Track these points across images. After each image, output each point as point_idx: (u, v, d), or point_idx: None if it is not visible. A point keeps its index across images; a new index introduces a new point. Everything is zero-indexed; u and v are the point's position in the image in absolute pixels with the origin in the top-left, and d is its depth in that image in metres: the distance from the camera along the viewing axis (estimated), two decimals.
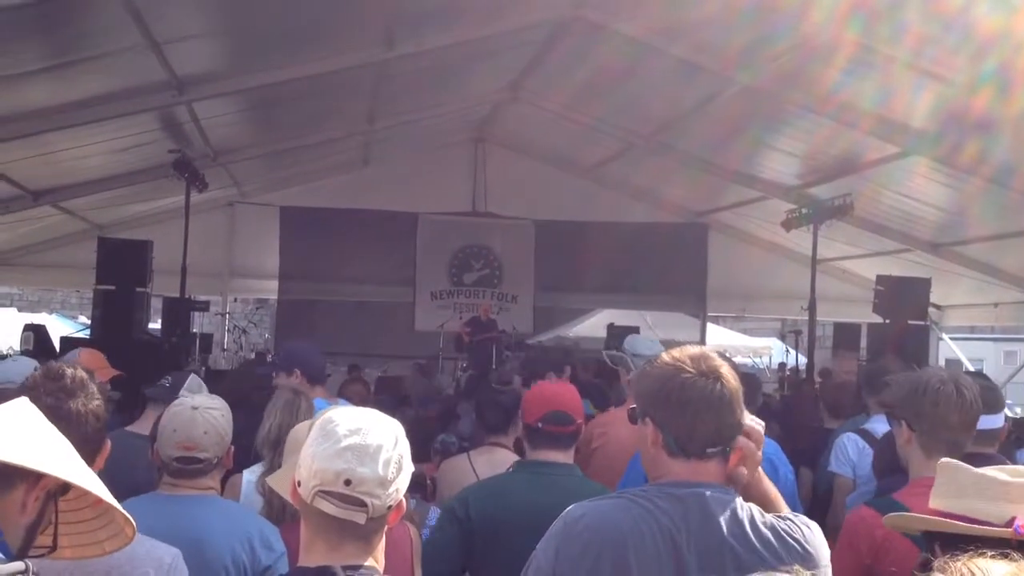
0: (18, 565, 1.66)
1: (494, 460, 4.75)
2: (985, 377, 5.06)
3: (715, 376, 2.32)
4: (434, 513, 4.02)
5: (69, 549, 1.92)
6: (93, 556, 2.02)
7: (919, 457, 3.09)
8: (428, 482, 5.13)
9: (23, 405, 1.86)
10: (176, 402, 3.34)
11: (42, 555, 1.86)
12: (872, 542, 2.85)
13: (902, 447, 3.18)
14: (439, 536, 3.66)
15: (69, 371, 2.58)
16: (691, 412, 2.29)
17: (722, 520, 2.26)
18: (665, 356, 2.40)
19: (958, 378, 3.08)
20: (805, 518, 2.39)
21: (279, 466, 3.66)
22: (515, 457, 4.71)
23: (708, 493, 2.29)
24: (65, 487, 1.82)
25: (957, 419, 3.01)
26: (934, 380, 3.07)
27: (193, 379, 4.67)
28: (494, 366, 13.43)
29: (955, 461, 2.35)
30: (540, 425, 3.73)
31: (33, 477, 1.79)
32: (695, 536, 2.24)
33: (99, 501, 1.85)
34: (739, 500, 2.33)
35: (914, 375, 3.20)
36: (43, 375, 2.58)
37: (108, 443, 2.65)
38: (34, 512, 1.83)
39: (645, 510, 2.28)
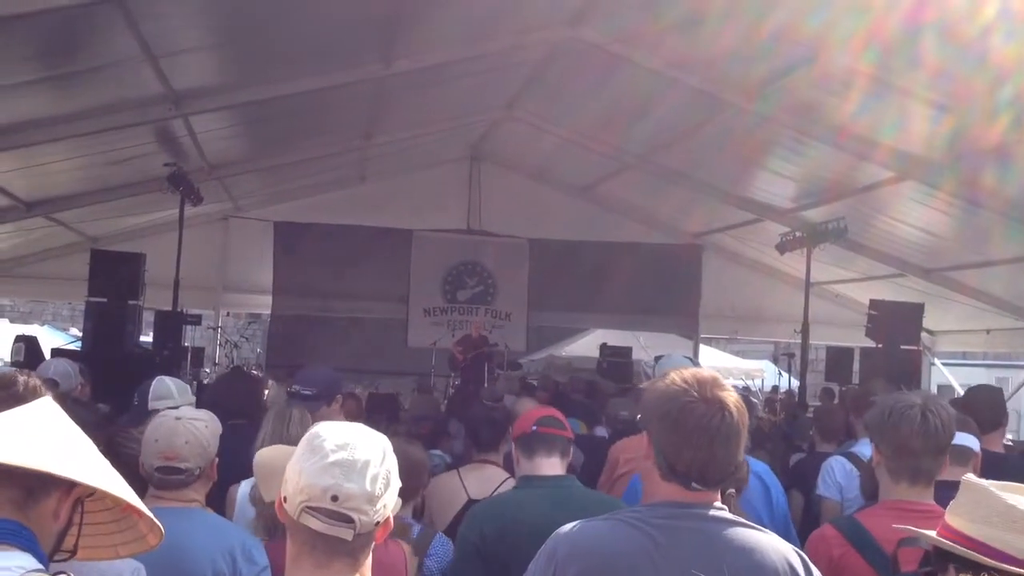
0: None
1: (484, 477, 4.73)
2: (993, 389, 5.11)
3: (719, 406, 2.24)
4: (438, 541, 3.97)
5: (82, 550, 1.91)
6: (104, 558, 2.01)
7: (886, 480, 3.08)
8: (419, 499, 5.09)
9: (48, 407, 1.86)
10: (161, 413, 3.33)
11: (64, 559, 1.85)
12: (829, 561, 2.85)
13: (875, 469, 3.17)
14: (462, 568, 3.60)
15: (22, 379, 2.58)
16: (684, 438, 2.23)
17: (723, 543, 2.22)
18: (675, 375, 2.32)
19: (928, 403, 3.01)
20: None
21: None
22: (505, 474, 4.70)
23: (709, 513, 2.25)
24: (91, 490, 1.82)
25: (920, 444, 2.96)
26: (901, 404, 3.02)
27: (158, 384, 4.60)
28: (485, 384, 13.40)
29: (981, 483, 2.30)
30: (535, 428, 3.72)
31: (67, 484, 1.79)
32: (693, 560, 2.19)
33: (127, 507, 1.84)
34: (739, 520, 2.29)
35: (888, 398, 3.15)
36: None
37: None
38: (66, 519, 1.83)
39: (641, 532, 2.24)
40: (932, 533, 2.36)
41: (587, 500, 3.59)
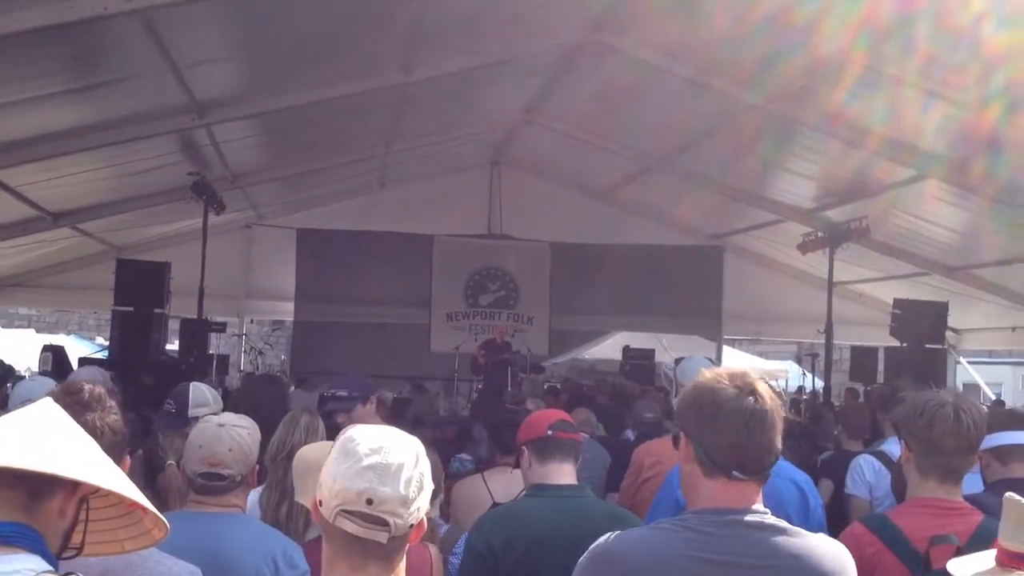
0: None
1: (508, 480, 4.74)
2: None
3: (750, 390, 2.27)
4: (464, 541, 3.98)
5: (88, 546, 1.93)
6: (110, 554, 2.03)
7: (915, 478, 3.06)
8: (440, 498, 5.13)
9: (49, 407, 1.88)
10: (204, 419, 3.35)
11: (71, 557, 1.88)
12: (862, 559, 2.82)
13: (904, 467, 3.14)
14: (467, 574, 3.54)
15: (87, 387, 2.61)
16: (720, 423, 2.24)
17: (771, 548, 2.22)
18: (705, 372, 2.35)
19: (960, 401, 2.99)
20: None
21: (279, 482, 3.74)
22: None
23: (752, 519, 2.24)
24: (95, 488, 1.84)
25: (952, 444, 2.94)
26: (932, 402, 2.99)
27: (195, 391, 4.60)
28: (509, 388, 13.40)
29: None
30: (550, 432, 3.62)
31: (71, 484, 1.81)
32: (741, 567, 2.19)
33: (131, 504, 1.87)
34: (785, 525, 2.27)
35: (918, 396, 3.13)
36: (62, 390, 2.62)
37: (128, 459, 2.66)
38: (72, 517, 1.86)
39: (687, 541, 2.23)
40: (972, 559, 2.31)
41: (598, 512, 3.52)
